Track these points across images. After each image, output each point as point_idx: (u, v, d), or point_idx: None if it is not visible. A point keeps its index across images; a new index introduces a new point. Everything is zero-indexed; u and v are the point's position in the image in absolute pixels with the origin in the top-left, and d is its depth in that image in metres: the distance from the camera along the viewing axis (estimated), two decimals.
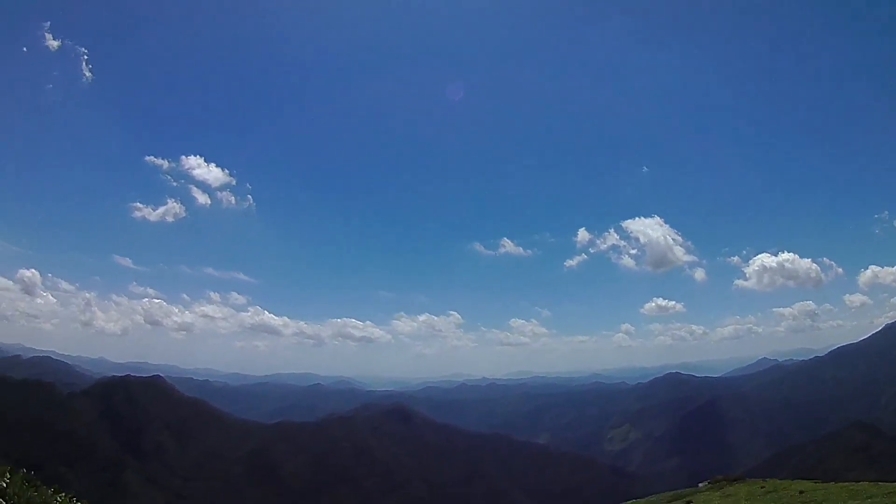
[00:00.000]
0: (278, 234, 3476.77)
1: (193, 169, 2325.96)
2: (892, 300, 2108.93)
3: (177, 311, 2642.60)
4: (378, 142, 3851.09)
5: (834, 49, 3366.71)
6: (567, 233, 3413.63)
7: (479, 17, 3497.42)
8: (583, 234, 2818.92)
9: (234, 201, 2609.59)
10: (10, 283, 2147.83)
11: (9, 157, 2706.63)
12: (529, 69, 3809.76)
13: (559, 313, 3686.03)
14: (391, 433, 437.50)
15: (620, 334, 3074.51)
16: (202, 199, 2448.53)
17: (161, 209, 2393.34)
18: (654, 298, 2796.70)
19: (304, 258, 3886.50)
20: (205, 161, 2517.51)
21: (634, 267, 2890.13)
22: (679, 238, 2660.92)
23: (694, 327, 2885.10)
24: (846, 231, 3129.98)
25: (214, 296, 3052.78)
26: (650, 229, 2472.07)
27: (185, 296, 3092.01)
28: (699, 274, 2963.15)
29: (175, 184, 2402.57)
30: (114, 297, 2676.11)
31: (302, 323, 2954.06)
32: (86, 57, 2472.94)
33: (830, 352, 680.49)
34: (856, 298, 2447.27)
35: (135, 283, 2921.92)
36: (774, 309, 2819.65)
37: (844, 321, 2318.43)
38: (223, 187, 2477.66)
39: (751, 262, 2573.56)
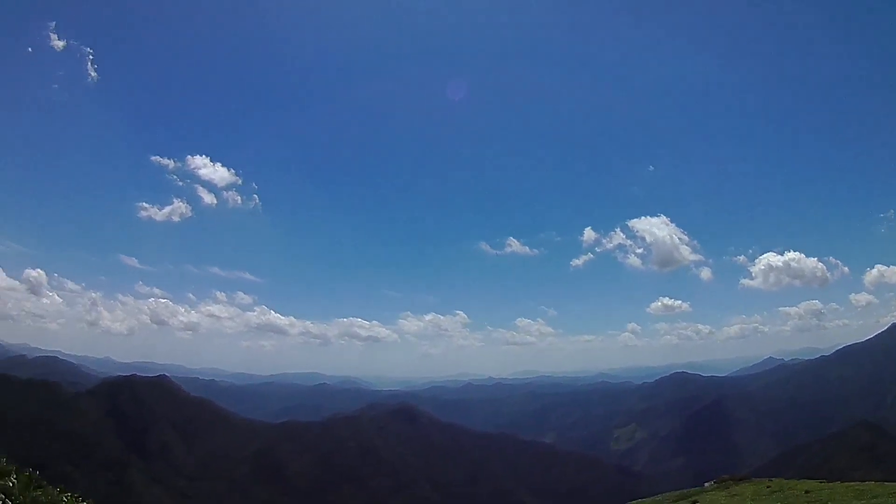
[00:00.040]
0: (284, 233, 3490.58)
1: (199, 169, 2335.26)
2: None
3: (183, 310, 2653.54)
4: (384, 141, 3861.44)
5: (839, 49, 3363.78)
6: (573, 232, 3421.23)
7: (487, 16, 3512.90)
8: (589, 234, 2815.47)
9: (240, 201, 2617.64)
10: (17, 282, 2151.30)
11: (15, 157, 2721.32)
12: (536, 68, 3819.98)
13: (565, 313, 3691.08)
14: (397, 433, 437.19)
15: (626, 334, 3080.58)
16: (208, 198, 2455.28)
17: (167, 209, 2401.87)
18: (661, 298, 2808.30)
19: (310, 258, 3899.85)
20: (211, 161, 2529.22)
21: (640, 266, 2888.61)
22: (685, 237, 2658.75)
23: (700, 326, 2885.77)
24: (852, 230, 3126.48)
25: (220, 295, 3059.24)
26: (656, 228, 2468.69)
27: (191, 295, 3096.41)
28: (705, 273, 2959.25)
29: (181, 183, 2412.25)
30: (120, 296, 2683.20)
31: (308, 322, 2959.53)
32: (91, 57, 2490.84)
33: (836, 351, 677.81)
34: (862, 298, 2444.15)
35: (141, 282, 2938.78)
36: (780, 308, 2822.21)
37: (850, 320, 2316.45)
38: (229, 187, 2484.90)
39: (757, 261, 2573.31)
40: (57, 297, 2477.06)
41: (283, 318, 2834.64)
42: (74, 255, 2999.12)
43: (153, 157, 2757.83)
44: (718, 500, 60.43)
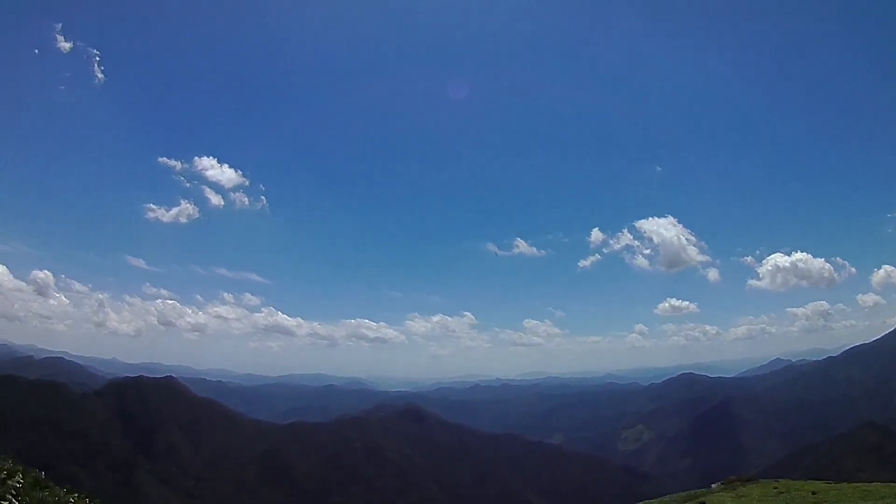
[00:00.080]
0: (292, 234, 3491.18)
1: (206, 170, 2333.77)
2: None
3: (190, 311, 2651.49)
4: (391, 142, 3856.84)
5: (846, 49, 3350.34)
6: (580, 233, 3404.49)
7: (495, 15, 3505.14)
8: (596, 235, 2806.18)
9: (247, 202, 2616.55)
10: (24, 284, 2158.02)
11: (22, 158, 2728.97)
12: (544, 68, 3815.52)
13: (573, 314, 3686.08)
14: (404, 434, 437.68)
15: (634, 335, 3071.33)
16: (215, 199, 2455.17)
17: (174, 210, 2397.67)
18: (668, 298, 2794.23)
19: (317, 259, 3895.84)
20: (218, 162, 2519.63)
21: (648, 267, 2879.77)
22: (692, 238, 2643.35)
23: (707, 327, 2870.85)
24: (859, 231, 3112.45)
25: (228, 296, 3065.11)
26: (663, 229, 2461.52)
27: (198, 297, 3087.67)
28: (712, 274, 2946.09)
29: (188, 185, 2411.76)
30: (127, 297, 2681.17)
31: (315, 324, 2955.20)
32: (98, 58, 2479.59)
33: (843, 352, 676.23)
34: (869, 298, 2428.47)
35: (148, 283, 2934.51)
36: (788, 309, 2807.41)
37: (857, 321, 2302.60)
38: (236, 188, 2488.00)
39: (764, 261, 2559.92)
40: (64, 298, 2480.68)
41: (290, 319, 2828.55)
42: (81, 256, 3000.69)
43: (160, 159, 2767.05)
44: (725, 501, 60.37)
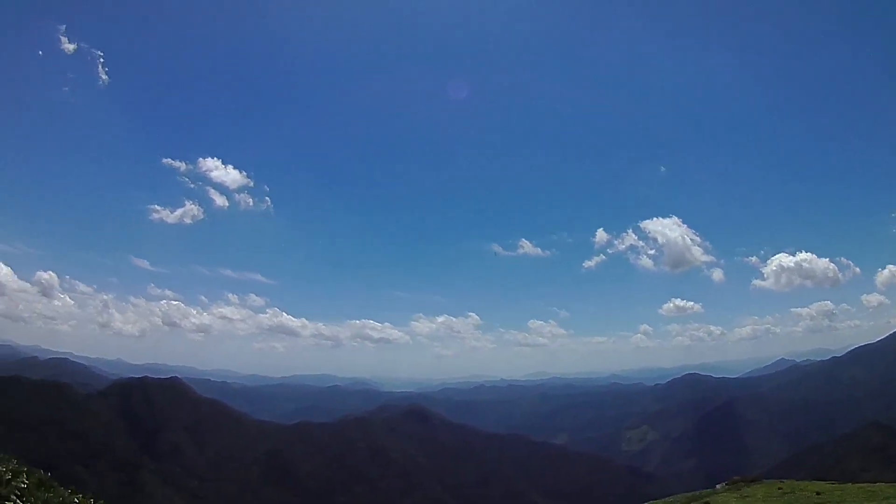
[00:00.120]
0: (296, 235, 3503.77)
1: (211, 171, 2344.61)
2: None
3: (195, 312, 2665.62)
4: (396, 143, 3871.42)
5: (850, 49, 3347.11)
6: (585, 233, 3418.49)
7: (500, 16, 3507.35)
8: (601, 235, 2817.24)
9: (251, 203, 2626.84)
10: (28, 285, 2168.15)
11: (26, 159, 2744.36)
12: (546, 69, 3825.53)
13: (577, 314, 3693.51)
14: (408, 434, 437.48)
15: (638, 335, 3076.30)
16: (220, 200, 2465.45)
17: (179, 211, 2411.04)
18: (672, 299, 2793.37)
19: (322, 260, 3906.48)
20: (222, 163, 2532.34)
21: (652, 267, 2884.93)
22: (697, 238, 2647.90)
23: (712, 328, 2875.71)
24: (864, 230, 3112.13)
25: (232, 297, 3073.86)
26: (668, 229, 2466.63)
27: (202, 297, 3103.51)
28: (717, 274, 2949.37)
29: (192, 186, 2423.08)
30: (131, 298, 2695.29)
31: (320, 324, 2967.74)
32: (101, 60, 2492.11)
33: (848, 352, 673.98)
34: (873, 298, 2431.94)
35: (152, 284, 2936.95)
36: (792, 309, 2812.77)
37: (862, 321, 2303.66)
38: (241, 189, 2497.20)
39: (769, 261, 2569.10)
40: (69, 298, 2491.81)
41: (295, 319, 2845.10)
42: (86, 257, 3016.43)
43: (165, 160, 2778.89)
44: (730, 501, 60.31)
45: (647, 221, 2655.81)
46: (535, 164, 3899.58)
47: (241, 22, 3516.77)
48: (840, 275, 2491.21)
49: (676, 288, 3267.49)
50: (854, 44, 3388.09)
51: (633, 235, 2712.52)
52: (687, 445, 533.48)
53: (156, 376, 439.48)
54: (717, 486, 77.36)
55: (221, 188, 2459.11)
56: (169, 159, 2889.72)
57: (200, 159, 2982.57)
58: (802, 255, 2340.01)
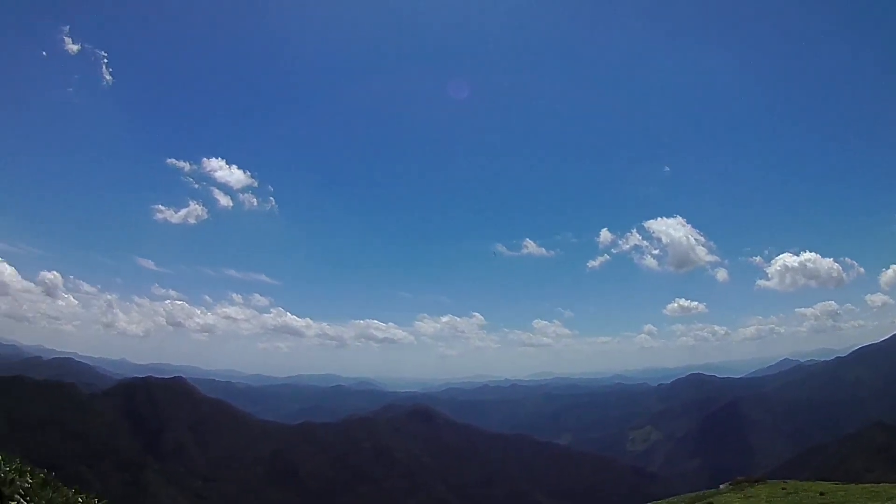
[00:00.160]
0: (300, 235, 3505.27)
1: (215, 171, 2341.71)
2: None
3: (199, 312, 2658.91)
4: (400, 142, 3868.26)
5: (853, 49, 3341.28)
6: (589, 233, 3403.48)
7: (500, 16, 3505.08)
8: (605, 235, 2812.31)
9: (255, 203, 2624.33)
10: (32, 285, 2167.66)
11: (30, 160, 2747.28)
12: (548, 69, 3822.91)
13: (582, 314, 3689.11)
14: (413, 434, 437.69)
15: (643, 335, 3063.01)
16: (224, 200, 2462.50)
17: (183, 211, 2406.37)
18: (677, 299, 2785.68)
19: (326, 260, 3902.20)
20: (226, 163, 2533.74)
21: (657, 267, 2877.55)
22: (701, 238, 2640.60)
23: (716, 328, 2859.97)
24: (868, 230, 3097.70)
25: (237, 297, 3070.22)
26: (672, 229, 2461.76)
27: (207, 297, 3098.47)
28: (721, 274, 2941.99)
29: (197, 186, 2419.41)
30: (136, 298, 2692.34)
31: (324, 324, 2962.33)
32: (105, 60, 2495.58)
33: (852, 352, 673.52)
34: (877, 298, 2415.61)
35: (157, 284, 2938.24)
36: (796, 309, 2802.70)
37: (866, 321, 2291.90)
38: (245, 189, 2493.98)
39: (773, 261, 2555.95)
40: (73, 298, 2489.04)
41: (299, 319, 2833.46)
42: (90, 257, 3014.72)
43: (169, 160, 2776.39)
44: (733, 501, 60.19)
45: (651, 221, 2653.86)
46: (539, 165, 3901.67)
47: (243, 22, 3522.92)
48: (844, 275, 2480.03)
49: (680, 288, 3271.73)
50: (854, 44, 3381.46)
51: (638, 235, 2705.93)
52: (691, 445, 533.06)
53: (160, 376, 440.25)
54: (721, 487, 77.22)
55: (225, 188, 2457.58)
56: (173, 159, 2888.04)
57: (204, 159, 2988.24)
58: (806, 255, 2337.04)
